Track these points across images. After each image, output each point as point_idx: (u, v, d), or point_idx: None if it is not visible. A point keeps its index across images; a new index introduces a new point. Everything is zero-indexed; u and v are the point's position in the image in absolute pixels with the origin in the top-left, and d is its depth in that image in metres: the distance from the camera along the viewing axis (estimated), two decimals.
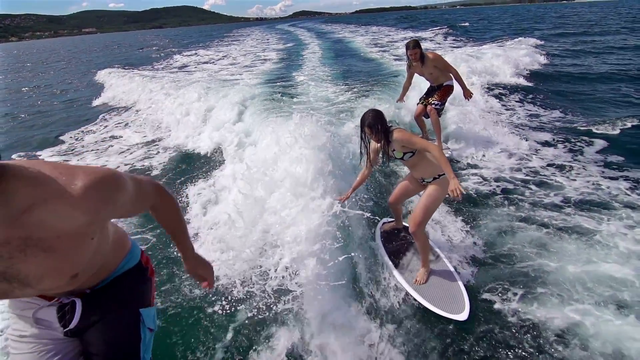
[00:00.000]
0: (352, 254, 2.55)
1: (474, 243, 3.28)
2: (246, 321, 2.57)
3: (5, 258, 0.87)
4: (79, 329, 1.23)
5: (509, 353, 2.26)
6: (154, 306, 1.42)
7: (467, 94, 4.97)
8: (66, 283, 1.04)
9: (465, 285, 2.71)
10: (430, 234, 3.30)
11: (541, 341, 2.31)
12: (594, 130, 5.69)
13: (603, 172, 4.40)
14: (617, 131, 5.56)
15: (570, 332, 2.37)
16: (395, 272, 2.89)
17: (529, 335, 2.37)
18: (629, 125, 5.74)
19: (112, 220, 1.24)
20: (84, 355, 1.26)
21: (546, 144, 5.35)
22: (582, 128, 5.86)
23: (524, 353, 2.26)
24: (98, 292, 1.26)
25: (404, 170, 2.93)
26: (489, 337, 2.37)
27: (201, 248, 3.25)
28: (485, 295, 2.70)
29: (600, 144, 5.21)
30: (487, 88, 7.81)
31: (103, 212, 0.98)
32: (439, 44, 19.06)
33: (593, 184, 4.14)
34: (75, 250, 0.97)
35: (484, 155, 5.00)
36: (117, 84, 12.29)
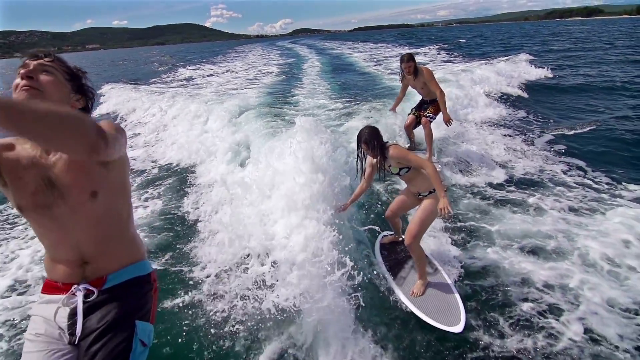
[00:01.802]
0: (351, 266, 2.59)
1: (471, 256, 3.32)
2: (240, 332, 2.57)
3: (54, 160, 1.24)
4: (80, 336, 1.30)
5: None
6: (152, 324, 1.44)
7: (447, 119, 4.96)
8: (88, 199, 1.26)
9: (462, 298, 2.72)
10: (429, 246, 3.38)
11: (540, 351, 2.35)
12: (551, 131, 6.57)
13: (547, 156, 5.33)
14: (571, 132, 6.43)
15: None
16: (393, 284, 2.91)
17: (526, 345, 2.39)
18: (585, 129, 6.60)
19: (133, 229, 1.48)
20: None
21: (507, 136, 6.24)
22: (542, 128, 6.76)
23: None
24: (104, 294, 1.35)
25: (403, 183, 3.08)
26: (484, 349, 2.38)
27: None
28: (482, 307, 2.72)
29: (551, 139, 6.09)
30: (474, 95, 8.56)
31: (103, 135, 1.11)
32: (432, 58, 20.05)
33: (539, 167, 5.08)
34: (88, 167, 1.26)
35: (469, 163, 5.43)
36: (127, 97, 13.06)
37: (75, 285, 1.32)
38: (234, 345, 2.49)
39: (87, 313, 1.31)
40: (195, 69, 23.97)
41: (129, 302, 1.36)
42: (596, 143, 5.81)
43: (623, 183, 4.45)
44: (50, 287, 1.37)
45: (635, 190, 4.23)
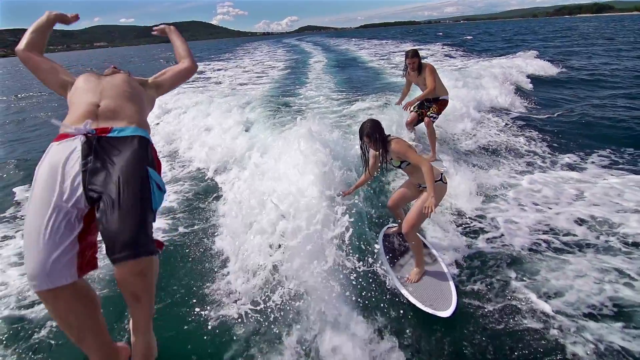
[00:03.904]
0: (355, 255, 2.65)
1: (469, 245, 3.43)
2: (241, 319, 2.61)
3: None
4: (93, 193, 1.36)
5: (493, 348, 2.36)
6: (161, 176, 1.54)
7: (408, 103, 5.04)
8: (124, 75, 1.85)
9: (457, 286, 2.79)
10: (429, 236, 3.53)
11: (528, 339, 2.40)
12: (527, 114, 7.55)
13: (513, 133, 6.35)
14: (542, 116, 7.36)
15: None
16: (390, 271, 2.99)
17: (515, 332, 2.46)
18: (553, 115, 7.49)
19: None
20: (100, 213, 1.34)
21: (489, 117, 7.18)
22: (520, 112, 7.70)
23: (507, 348, 2.36)
24: (108, 143, 1.47)
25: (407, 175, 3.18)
26: (473, 333, 2.47)
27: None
28: (476, 295, 2.80)
29: (523, 120, 7.07)
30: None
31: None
32: (434, 53, 20.92)
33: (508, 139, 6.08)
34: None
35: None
36: None
37: (82, 127, 1.46)
38: (233, 345, 2.49)
39: (95, 169, 1.39)
40: (206, 65, 25.01)
41: (135, 152, 1.45)
42: (556, 124, 6.76)
43: (558, 153, 5.46)
44: (60, 137, 1.49)
45: (569, 157, 5.25)
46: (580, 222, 3.62)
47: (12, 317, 2.72)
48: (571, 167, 4.91)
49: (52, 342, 2.50)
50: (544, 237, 3.43)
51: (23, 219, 4.32)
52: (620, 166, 4.85)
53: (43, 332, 2.57)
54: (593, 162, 5.01)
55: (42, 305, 2.81)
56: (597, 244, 3.28)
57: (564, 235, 3.45)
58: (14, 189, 5.49)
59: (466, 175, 4.46)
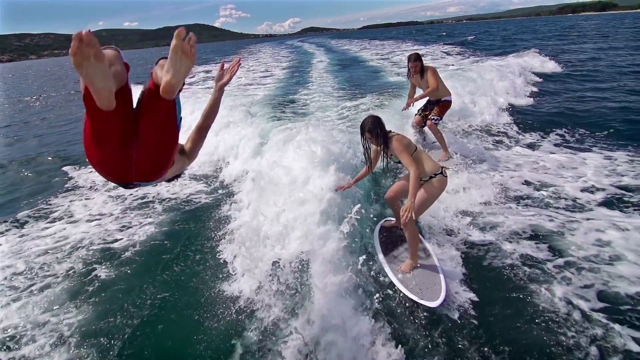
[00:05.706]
0: (351, 247, 2.80)
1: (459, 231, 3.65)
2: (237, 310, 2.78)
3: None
4: None
5: (482, 338, 2.48)
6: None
7: (408, 104, 5.27)
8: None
9: (447, 279, 2.89)
10: (425, 230, 3.64)
11: (510, 335, 2.50)
12: (509, 102, 8.48)
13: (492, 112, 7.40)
14: (523, 104, 8.38)
15: None
16: (383, 261, 3.09)
17: (503, 325, 2.58)
18: (528, 103, 8.53)
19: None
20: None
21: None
22: (508, 100, 8.61)
23: (496, 340, 2.46)
24: None
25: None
26: (461, 324, 2.59)
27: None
28: (466, 288, 2.94)
29: (505, 107, 8.05)
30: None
31: None
32: (432, 51, 21.80)
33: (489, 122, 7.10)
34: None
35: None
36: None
37: None
38: (226, 339, 2.58)
39: None
40: (214, 66, 26.00)
41: None
42: (530, 112, 7.81)
43: (524, 133, 6.53)
44: None
45: (531, 137, 6.31)
46: (527, 183, 4.60)
47: (104, 248, 3.81)
48: (530, 146, 5.90)
49: (137, 258, 3.56)
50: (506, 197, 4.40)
51: (84, 187, 5.54)
52: (571, 145, 5.83)
53: (127, 254, 3.64)
54: (550, 141, 6.03)
55: (122, 241, 3.87)
56: (538, 197, 4.26)
57: (513, 191, 4.43)
58: (63, 169, 6.54)
59: (482, 185, 4.48)
